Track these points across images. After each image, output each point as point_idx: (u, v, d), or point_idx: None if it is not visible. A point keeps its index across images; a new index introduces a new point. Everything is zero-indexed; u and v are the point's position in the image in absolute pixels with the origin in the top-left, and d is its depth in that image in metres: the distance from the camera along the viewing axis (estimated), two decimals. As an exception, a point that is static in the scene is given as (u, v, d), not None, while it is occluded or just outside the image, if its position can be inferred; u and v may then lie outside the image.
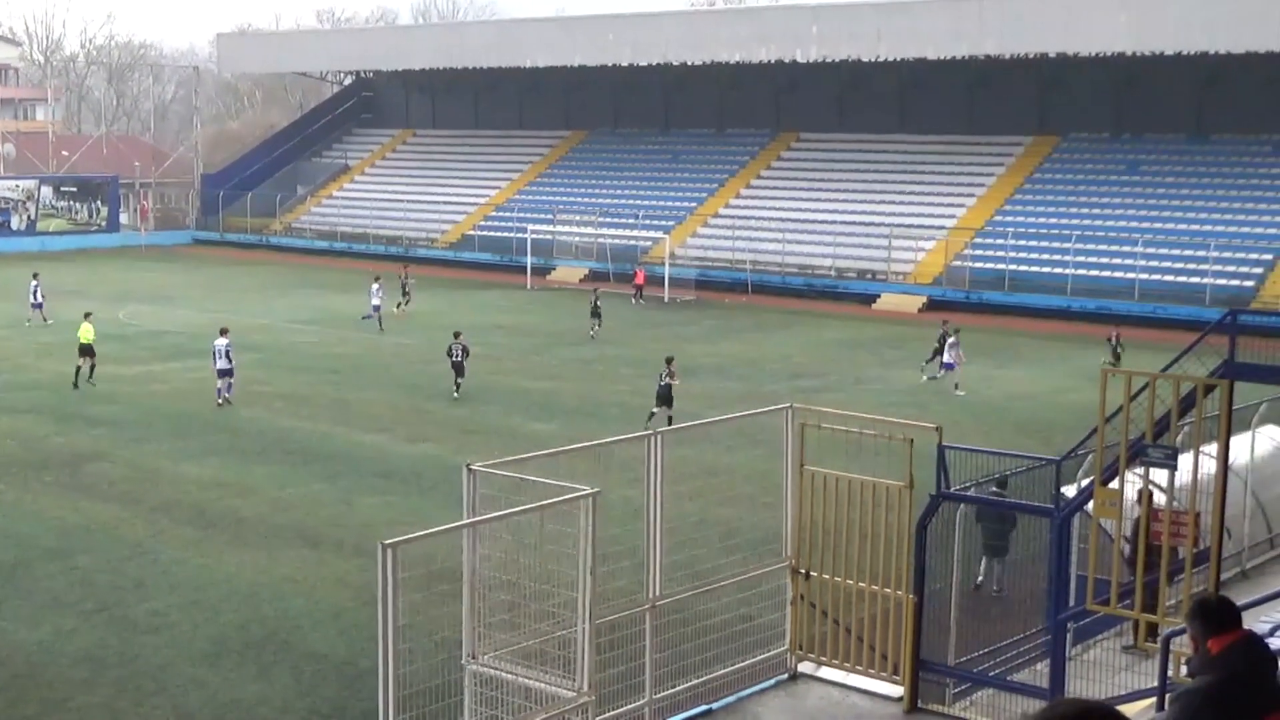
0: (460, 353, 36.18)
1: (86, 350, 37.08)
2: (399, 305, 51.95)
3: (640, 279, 58.54)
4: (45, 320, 47.71)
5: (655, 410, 31.75)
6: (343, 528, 23.83)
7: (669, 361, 32.98)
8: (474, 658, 12.40)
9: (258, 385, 36.70)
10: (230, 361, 34.62)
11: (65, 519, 23.96)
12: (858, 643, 15.29)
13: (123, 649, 18.11)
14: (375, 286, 48.94)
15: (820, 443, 15.29)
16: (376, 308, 48.45)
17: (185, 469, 27.84)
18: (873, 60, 63.88)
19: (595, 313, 48.06)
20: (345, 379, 38.52)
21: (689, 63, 69.17)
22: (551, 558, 12.46)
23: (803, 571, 15.51)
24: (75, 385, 36.40)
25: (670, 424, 28.01)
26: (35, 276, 49.20)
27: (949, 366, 38.44)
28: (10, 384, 37.09)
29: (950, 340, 38.62)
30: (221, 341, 34.63)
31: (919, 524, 14.86)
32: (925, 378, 38.94)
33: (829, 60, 65.15)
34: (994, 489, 17.64)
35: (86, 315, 38.77)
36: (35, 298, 48.22)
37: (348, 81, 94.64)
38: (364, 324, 48.40)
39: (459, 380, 36.23)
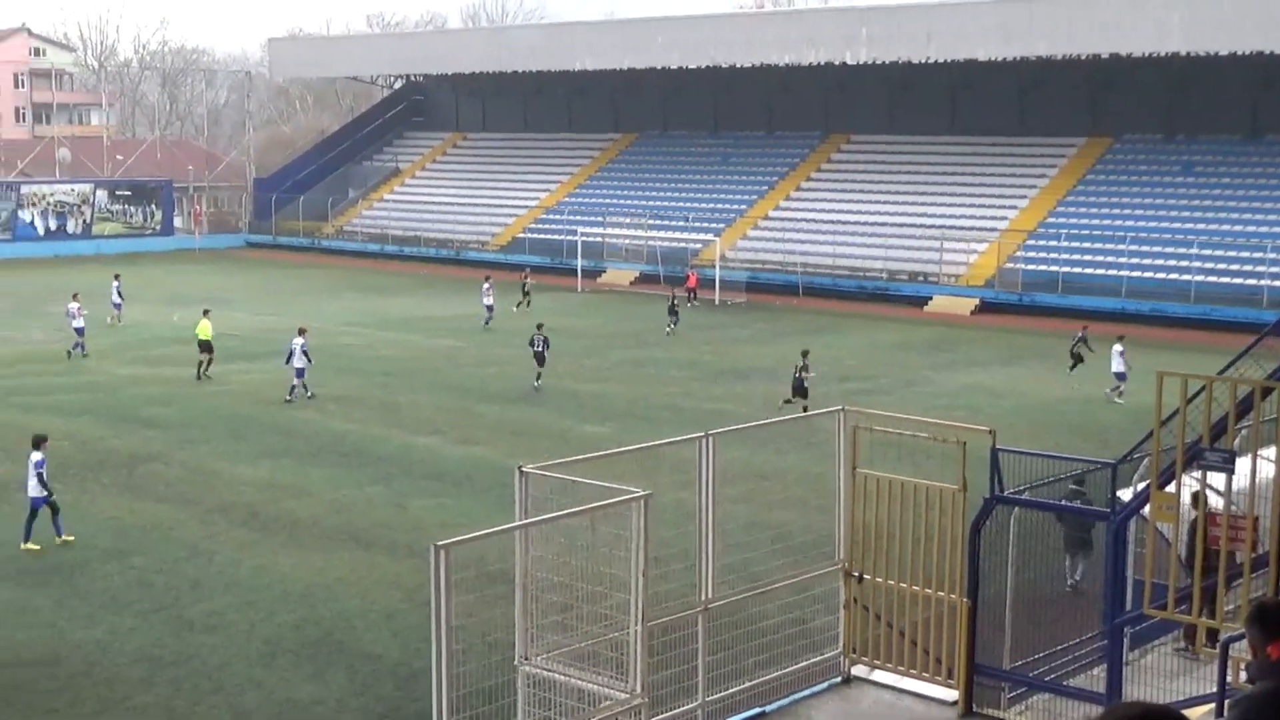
0: (542, 344, 37.62)
1: (205, 346, 38.56)
2: (519, 305, 53.00)
3: (693, 282, 58.52)
4: (109, 321, 48.48)
5: (790, 400, 33.66)
6: (396, 529, 23.98)
7: (804, 355, 34.57)
8: (527, 659, 12.44)
9: (311, 388, 36.91)
10: (307, 360, 35.43)
11: (122, 520, 24.22)
12: (911, 646, 15.24)
13: (179, 648, 18.29)
14: (486, 286, 50.14)
15: (872, 445, 15.25)
16: (490, 307, 49.37)
17: (240, 471, 28.08)
18: (923, 62, 63.60)
19: (672, 310, 49.79)
20: (397, 382, 38.73)
21: (738, 65, 69.12)
22: (603, 560, 12.48)
23: (856, 575, 15.47)
24: (199, 378, 38.26)
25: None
26: (117, 278, 50.59)
27: (1122, 376, 37.52)
28: (67, 386, 37.50)
29: (1118, 348, 37.69)
30: (299, 340, 35.52)
31: (973, 527, 14.79)
32: (1107, 393, 37.41)
33: (879, 62, 64.91)
34: (1073, 486, 17.67)
35: (205, 312, 40.10)
36: (116, 297, 49.42)
37: (398, 85, 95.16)
38: (486, 328, 49.11)
39: (540, 370, 37.62)
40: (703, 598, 14.19)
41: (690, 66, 70.95)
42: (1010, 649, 15.21)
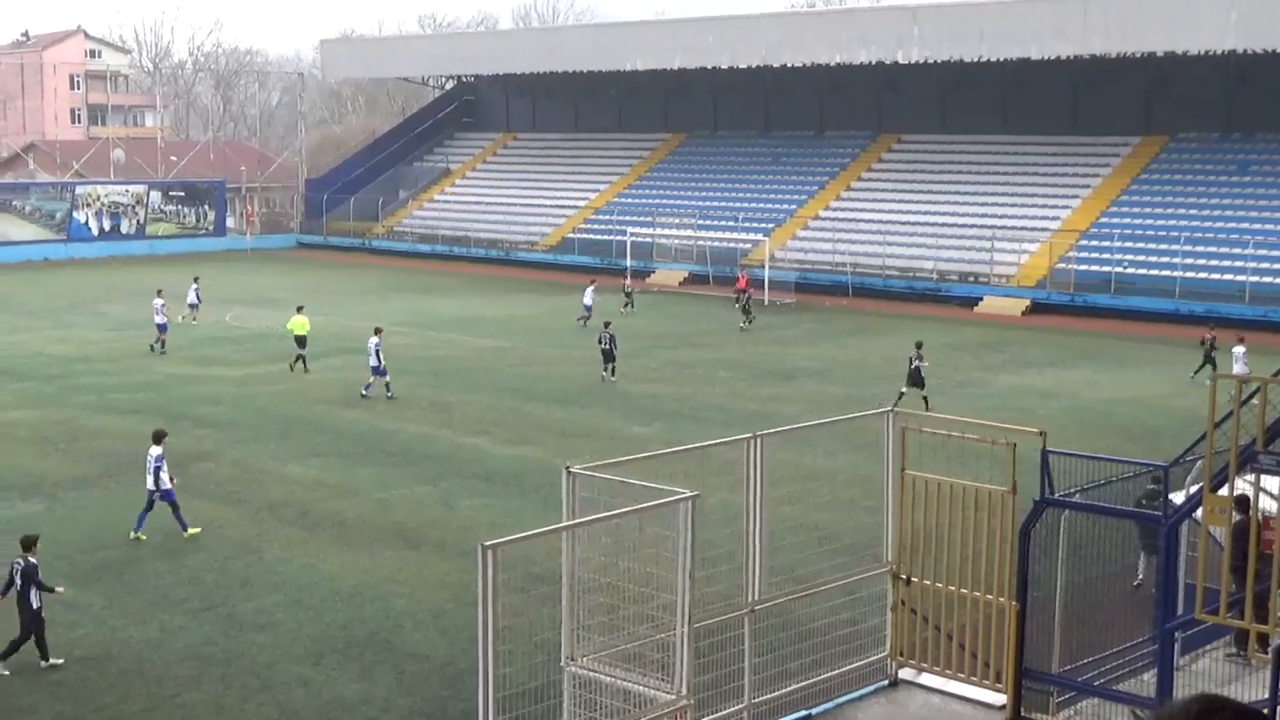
0: (609, 341, 38.96)
1: (300, 342, 39.91)
2: (625, 307, 53.77)
3: (743, 283, 58.33)
4: (193, 320, 49.51)
5: (904, 390, 34.56)
6: (444, 529, 24.07)
7: (918, 346, 35.54)
8: (573, 660, 12.46)
9: (361, 388, 37.14)
10: (379, 359, 36.01)
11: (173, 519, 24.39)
12: (959, 650, 15.16)
13: (229, 646, 18.43)
14: (590, 289, 51.45)
15: (921, 447, 15.18)
16: (588, 308, 50.39)
17: (290, 470, 28.26)
18: (975, 61, 63.22)
19: (746, 310, 51.90)
20: (446, 381, 38.88)
21: (788, 64, 68.93)
22: (650, 561, 12.48)
23: (904, 577, 15.41)
24: (291, 368, 39.65)
25: (926, 406, 32.18)
26: (196, 280, 51.78)
27: None
28: (121, 385, 37.85)
29: (1239, 350, 37.23)
30: (374, 340, 36.13)
31: (1022, 530, 14.69)
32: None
33: (930, 61, 64.59)
34: (1151, 486, 17.56)
35: (299, 309, 41.27)
36: (194, 298, 50.53)
37: (449, 86, 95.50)
38: (578, 324, 49.93)
39: (611, 365, 38.85)
40: (749, 599, 14.17)
41: (740, 66, 70.81)
42: (1059, 653, 15.10)
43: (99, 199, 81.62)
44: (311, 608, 19.96)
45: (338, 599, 20.36)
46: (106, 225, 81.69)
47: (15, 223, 78.67)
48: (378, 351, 35.99)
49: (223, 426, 32.50)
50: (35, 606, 17.55)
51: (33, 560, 17.71)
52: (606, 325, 39.87)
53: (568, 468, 12.67)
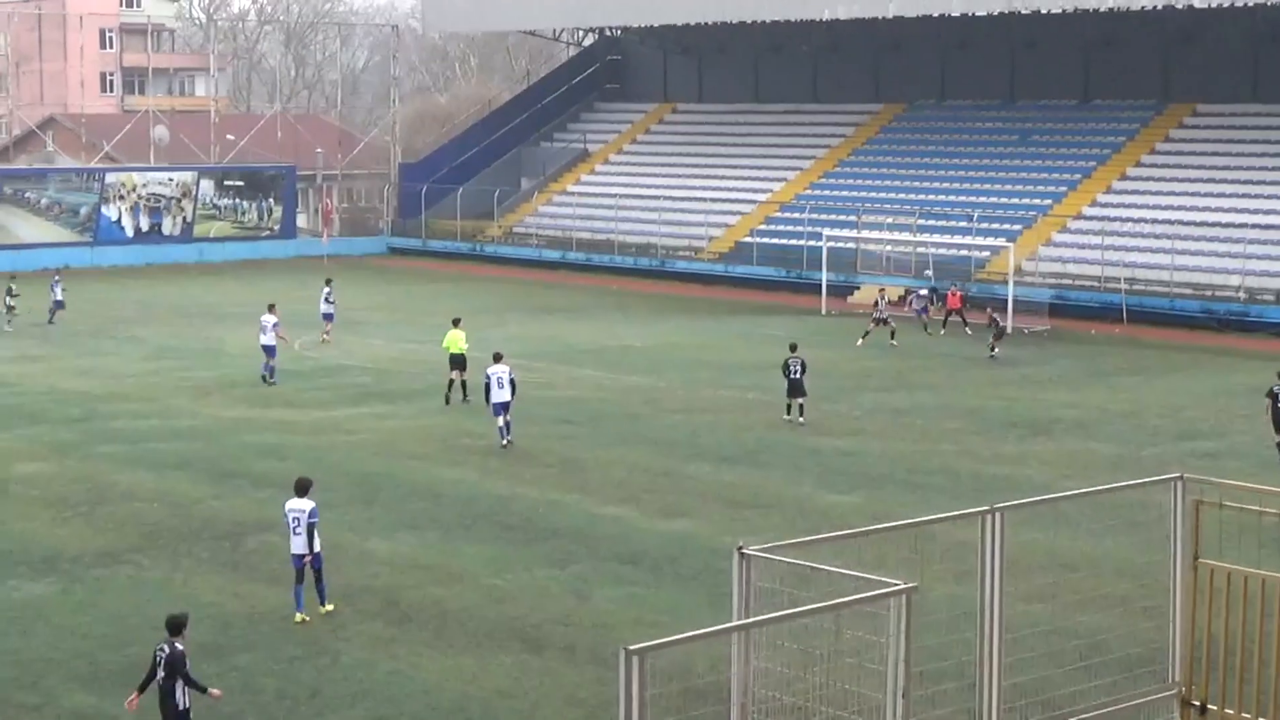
0: (799, 369, 39.38)
1: (457, 362, 41.59)
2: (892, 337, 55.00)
3: (955, 301, 57.78)
4: (324, 336, 52.57)
5: None
6: (574, 627, 24.14)
7: None
8: (745, 804, 12.42)
9: (467, 438, 37.50)
10: (514, 391, 36.69)
11: (223, 605, 24.81)
12: (1275, 804, 14.83)
13: (292, 777, 18.67)
14: (883, 301, 55.22)
15: (1223, 527, 14.90)
16: (886, 320, 53.69)
17: (373, 546, 28.57)
18: (1302, 3, 62.17)
19: (995, 330, 52.03)
20: (580, 432, 39.08)
21: (1043, 11, 68.34)
22: (850, 675, 12.40)
23: (1197, 704, 15.14)
24: (447, 401, 41.77)
25: None
26: (328, 284, 54.52)
27: None
28: (160, 432, 38.64)
29: None
30: (498, 370, 36.69)
31: (1363, 642, 14.35)
32: None
33: (1239, 4, 63.59)
34: None
35: (455, 322, 42.95)
36: (327, 307, 53.33)
37: (588, 42, 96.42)
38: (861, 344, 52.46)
39: (799, 401, 39.52)
40: (984, 729, 14.02)
41: (978, 14, 70.39)
42: None
43: (135, 190, 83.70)
44: (400, 728, 20.15)
45: (436, 716, 20.52)
46: (144, 224, 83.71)
47: (28, 220, 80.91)
48: (513, 381, 36.63)
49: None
50: (183, 708, 17.75)
51: (180, 648, 17.82)
52: (794, 348, 40.15)
53: (740, 549, 12.65)
